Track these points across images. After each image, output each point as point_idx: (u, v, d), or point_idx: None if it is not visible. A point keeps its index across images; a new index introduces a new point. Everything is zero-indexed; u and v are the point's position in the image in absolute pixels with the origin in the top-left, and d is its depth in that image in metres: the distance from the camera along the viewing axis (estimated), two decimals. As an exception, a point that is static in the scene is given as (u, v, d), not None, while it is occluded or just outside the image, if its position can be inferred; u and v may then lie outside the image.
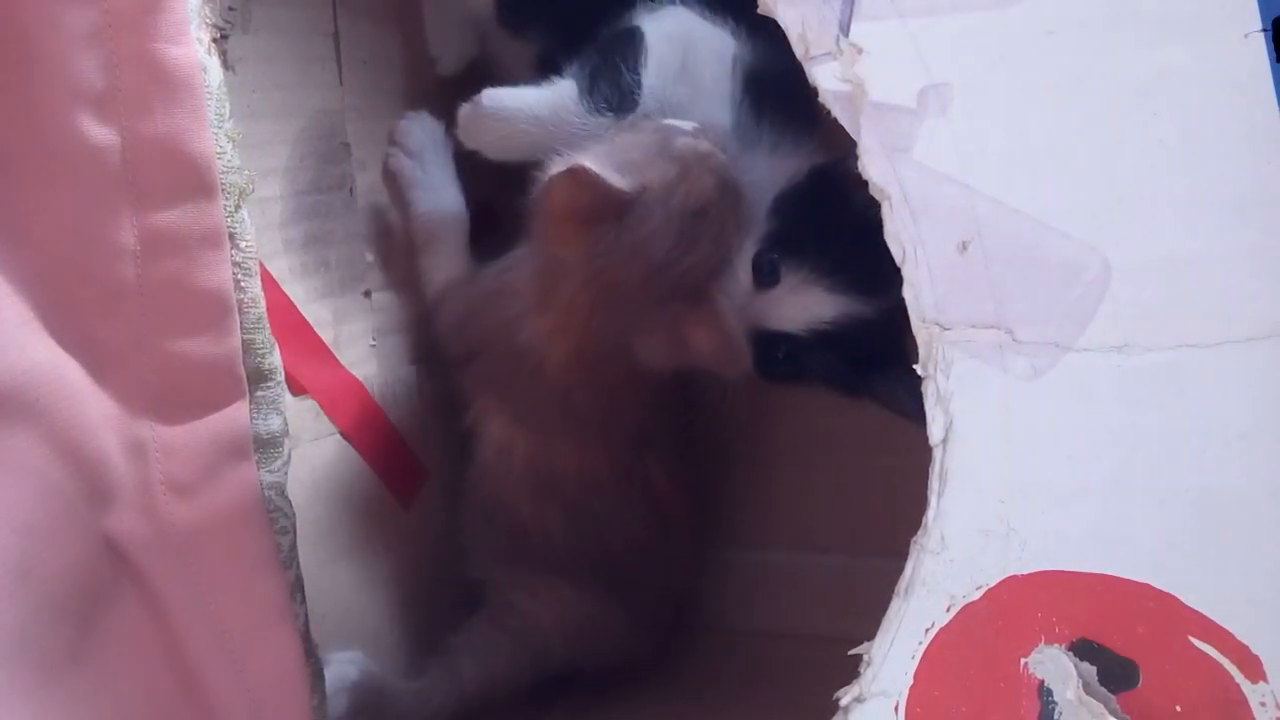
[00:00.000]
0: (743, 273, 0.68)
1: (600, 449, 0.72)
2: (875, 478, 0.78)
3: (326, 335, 0.71)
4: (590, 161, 0.62)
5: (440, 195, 0.76)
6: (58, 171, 0.48)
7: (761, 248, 0.68)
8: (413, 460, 0.77)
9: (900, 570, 0.47)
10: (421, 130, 0.77)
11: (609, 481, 0.73)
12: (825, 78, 0.43)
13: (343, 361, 0.72)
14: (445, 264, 0.76)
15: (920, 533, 0.45)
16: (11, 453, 0.46)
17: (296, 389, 0.67)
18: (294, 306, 0.68)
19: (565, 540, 0.73)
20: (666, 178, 0.64)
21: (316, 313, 0.70)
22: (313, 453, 0.68)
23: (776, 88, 0.68)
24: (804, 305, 0.66)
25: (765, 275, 0.67)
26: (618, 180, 0.62)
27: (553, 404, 0.70)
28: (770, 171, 0.70)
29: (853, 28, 0.43)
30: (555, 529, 0.73)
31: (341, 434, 0.71)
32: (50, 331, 0.48)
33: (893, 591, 0.47)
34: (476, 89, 0.70)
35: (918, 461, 0.46)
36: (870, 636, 0.48)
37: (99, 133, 0.48)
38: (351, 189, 0.74)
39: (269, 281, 0.63)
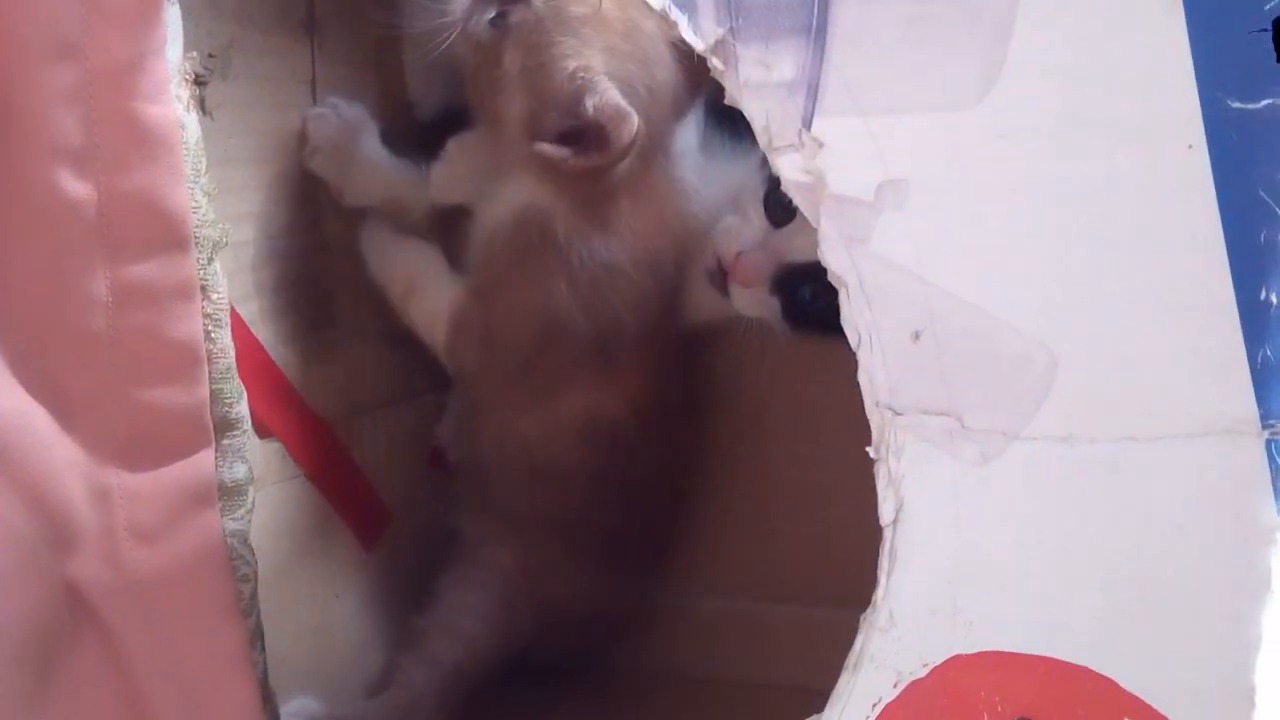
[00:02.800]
0: (756, 216, 0.70)
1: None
2: (835, 528, 0.78)
3: (294, 378, 0.71)
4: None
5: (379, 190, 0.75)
6: (34, 223, 0.49)
7: (769, 187, 0.70)
8: (376, 502, 0.78)
9: (858, 622, 0.48)
10: (337, 117, 0.73)
11: (647, 423, 0.74)
12: (788, 168, 0.45)
13: (309, 404, 0.72)
14: (438, 295, 0.73)
15: (870, 610, 0.46)
16: (-25, 501, 0.46)
17: (263, 432, 0.67)
18: (263, 349, 0.68)
19: (584, 472, 0.74)
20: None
21: (284, 355, 0.70)
22: (277, 494, 0.69)
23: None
24: None
25: (779, 212, 0.69)
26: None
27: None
28: (741, 164, 0.73)
29: (815, 122, 0.44)
30: (580, 466, 0.74)
31: (306, 476, 0.71)
32: (20, 380, 0.49)
33: (850, 644, 0.48)
34: (454, 134, 0.72)
35: (878, 513, 0.46)
36: (827, 688, 0.48)
37: (76, 187, 0.49)
38: (324, 233, 0.75)
39: (238, 324, 0.64)
